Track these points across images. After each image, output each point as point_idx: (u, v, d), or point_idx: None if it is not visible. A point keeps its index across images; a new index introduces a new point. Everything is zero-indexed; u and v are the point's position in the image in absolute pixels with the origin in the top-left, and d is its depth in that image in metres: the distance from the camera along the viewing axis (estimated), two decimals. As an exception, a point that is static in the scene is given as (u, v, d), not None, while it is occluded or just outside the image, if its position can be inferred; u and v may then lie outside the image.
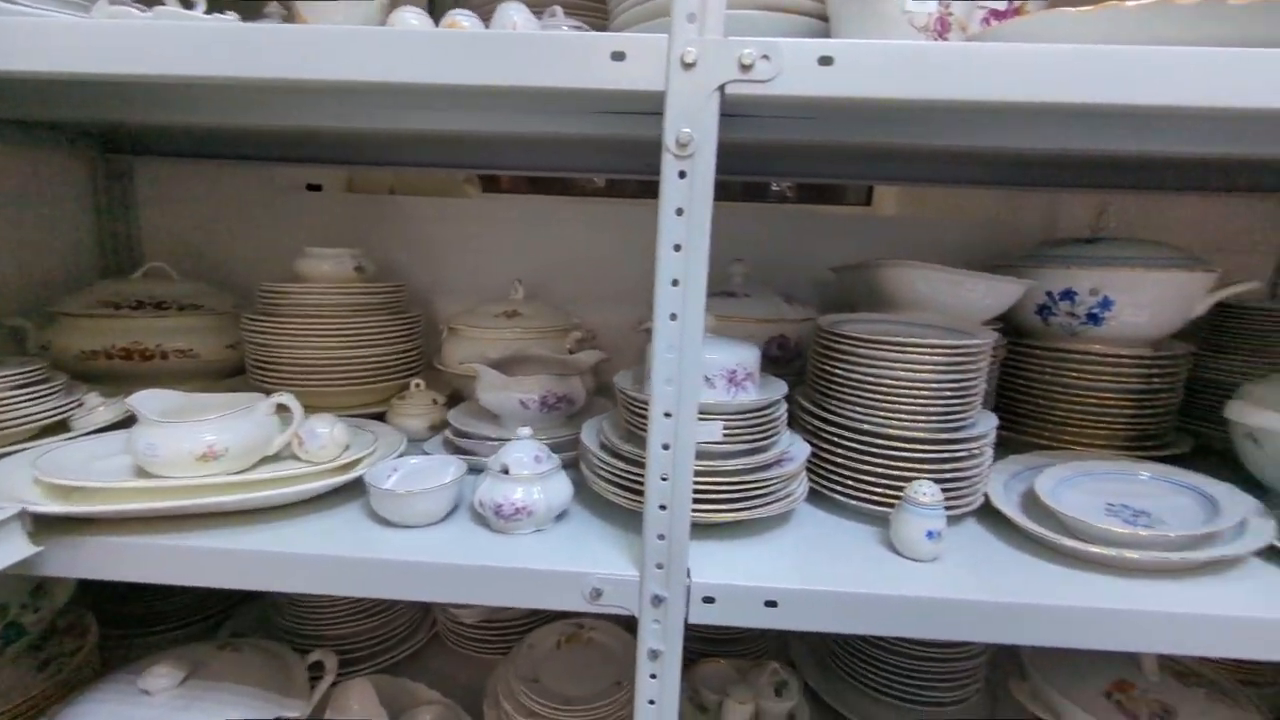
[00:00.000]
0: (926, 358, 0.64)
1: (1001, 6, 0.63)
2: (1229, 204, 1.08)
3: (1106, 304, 0.83)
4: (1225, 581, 0.60)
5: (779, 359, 0.88)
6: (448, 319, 0.99)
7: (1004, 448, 0.86)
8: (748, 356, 0.65)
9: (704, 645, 0.97)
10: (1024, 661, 0.85)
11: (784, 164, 1.06)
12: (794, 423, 0.75)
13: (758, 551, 0.62)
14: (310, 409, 0.72)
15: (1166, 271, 0.81)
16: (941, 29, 0.52)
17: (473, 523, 0.65)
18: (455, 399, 0.94)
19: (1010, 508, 0.67)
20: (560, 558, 0.59)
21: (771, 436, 0.66)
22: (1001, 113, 0.67)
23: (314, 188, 1.20)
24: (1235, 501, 0.66)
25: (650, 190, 1.24)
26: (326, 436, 0.71)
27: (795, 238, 1.14)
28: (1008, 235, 1.10)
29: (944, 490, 0.65)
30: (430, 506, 0.63)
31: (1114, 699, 0.81)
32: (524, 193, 1.38)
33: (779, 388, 0.69)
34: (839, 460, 0.68)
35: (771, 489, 0.64)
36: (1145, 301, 0.82)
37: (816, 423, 0.71)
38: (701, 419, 0.61)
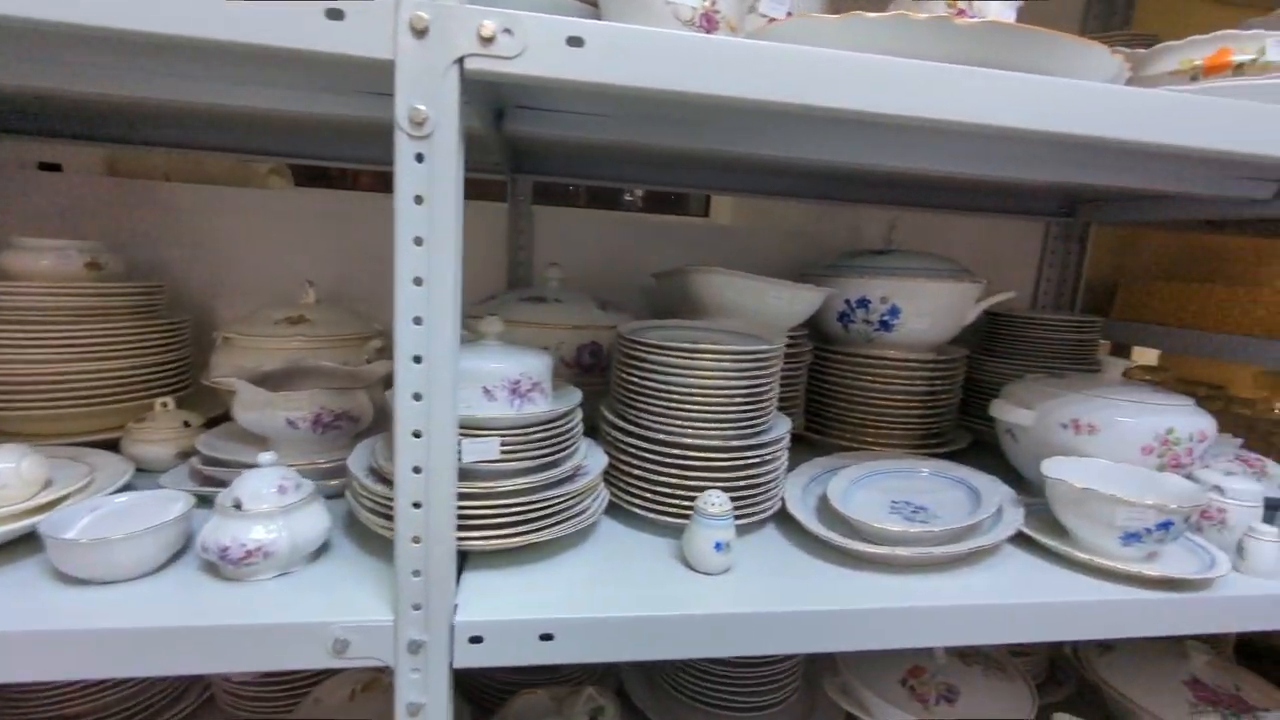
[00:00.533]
0: (715, 364, 0.63)
1: (781, 15, 0.64)
2: (1003, 224, 1.22)
3: (895, 311, 0.88)
4: (986, 570, 0.64)
5: (592, 367, 0.84)
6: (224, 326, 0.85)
7: (814, 449, 0.89)
8: (535, 365, 0.60)
9: (526, 675, 0.90)
10: (836, 657, 0.88)
11: (601, 168, 1.03)
12: (600, 434, 0.71)
13: (543, 578, 0.57)
14: (23, 437, 0.57)
15: (942, 282, 0.88)
16: (708, 25, 0.50)
17: (200, 570, 0.54)
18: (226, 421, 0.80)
19: (804, 512, 0.68)
20: (301, 606, 0.50)
21: (563, 450, 0.61)
22: (784, 119, 0.69)
23: (50, 167, 0.99)
24: (993, 493, 0.72)
25: (491, 190, 1.19)
26: (10, 473, 0.56)
27: (637, 246, 1.13)
28: (826, 245, 1.15)
29: (741, 497, 0.64)
30: (135, 555, 0.51)
31: (908, 685, 0.85)
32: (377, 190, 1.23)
33: (572, 397, 0.64)
34: (637, 472, 0.65)
35: (561, 508, 0.59)
36: (926, 309, 0.88)
37: (615, 433, 0.67)
38: (473, 435, 0.55)
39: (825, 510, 0.70)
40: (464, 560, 0.58)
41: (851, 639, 0.55)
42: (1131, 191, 0.99)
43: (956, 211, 1.16)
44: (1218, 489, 0.70)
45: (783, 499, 0.70)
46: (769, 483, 0.67)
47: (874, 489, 0.76)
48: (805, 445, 0.94)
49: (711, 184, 1.09)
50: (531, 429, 0.58)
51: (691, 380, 0.63)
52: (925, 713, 0.82)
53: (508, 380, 0.58)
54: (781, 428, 0.70)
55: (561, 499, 0.59)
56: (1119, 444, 0.72)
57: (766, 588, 0.57)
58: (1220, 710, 0.87)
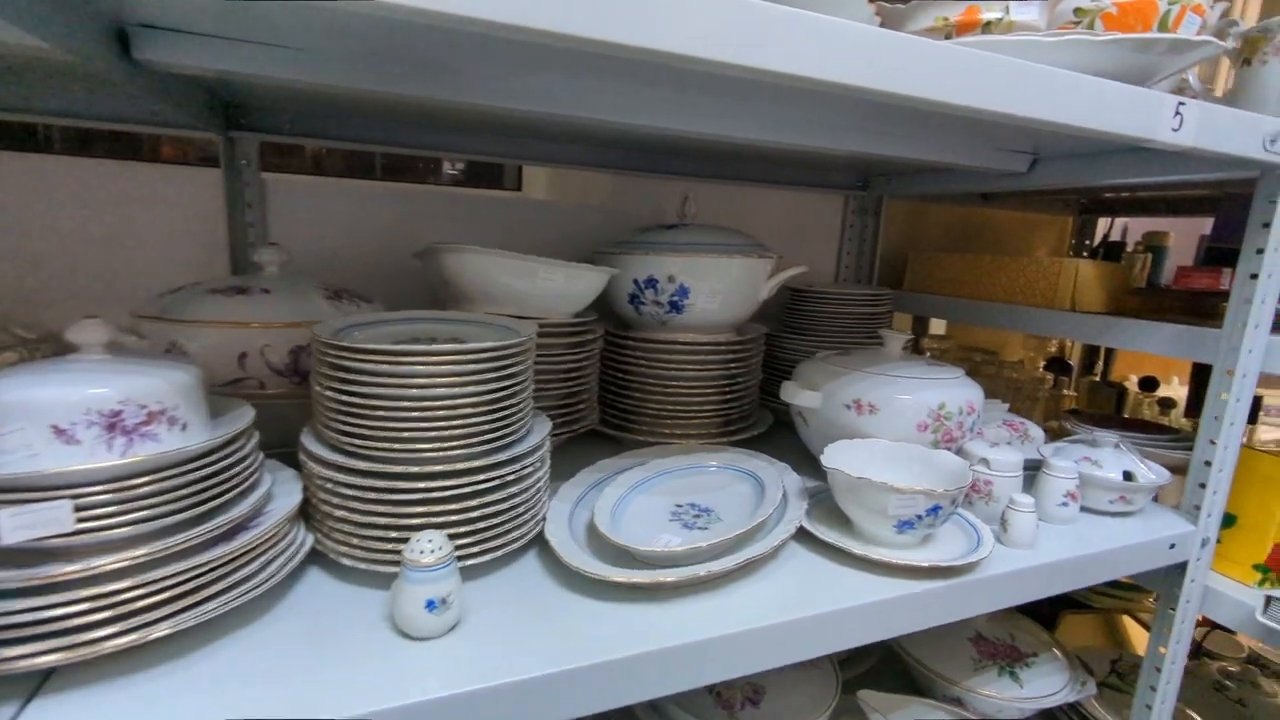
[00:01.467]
0: (433, 368, 0.50)
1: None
2: (806, 198, 1.20)
3: (684, 291, 0.80)
4: (766, 579, 0.57)
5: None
6: None
7: (617, 446, 0.79)
8: (152, 386, 0.42)
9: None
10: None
11: (348, 127, 0.85)
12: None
13: (178, 684, 0.40)
14: None
15: (730, 257, 0.81)
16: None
17: None
18: None
19: (565, 534, 0.57)
20: None
21: (215, 498, 0.45)
22: (549, 60, 0.57)
23: None
24: (777, 486, 0.66)
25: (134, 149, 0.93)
26: None
27: (415, 221, 0.95)
28: (632, 221, 1.06)
29: (484, 529, 0.52)
30: None
31: (714, 691, 0.80)
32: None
33: (237, 420, 0.48)
34: (340, 512, 0.50)
35: (209, 579, 0.43)
36: (716, 288, 0.81)
37: (312, 463, 0.52)
38: (23, 501, 0.37)
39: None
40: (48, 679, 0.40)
41: (592, 700, 0.45)
42: (912, 164, 1.00)
43: (763, 185, 1.11)
44: (984, 461, 0.69)
45: (544, 520, 0.58)
46: (523, 505, 0.56)
47: (656, 492, 0.68)
48: (607, 442, 0.84)
49: (502, 152, 0.94)
50: (147, 478, 0.41)
51: (404, 390, 0.49)
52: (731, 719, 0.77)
53: (99, 412, 0.40)
54: (537, 434, 0.58)
55: (208, 567, 0.42)
56: (897, 422, 0.70)
57: (493, 650, 0.45)
58: (998, 663, 0.91)
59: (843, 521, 0.64)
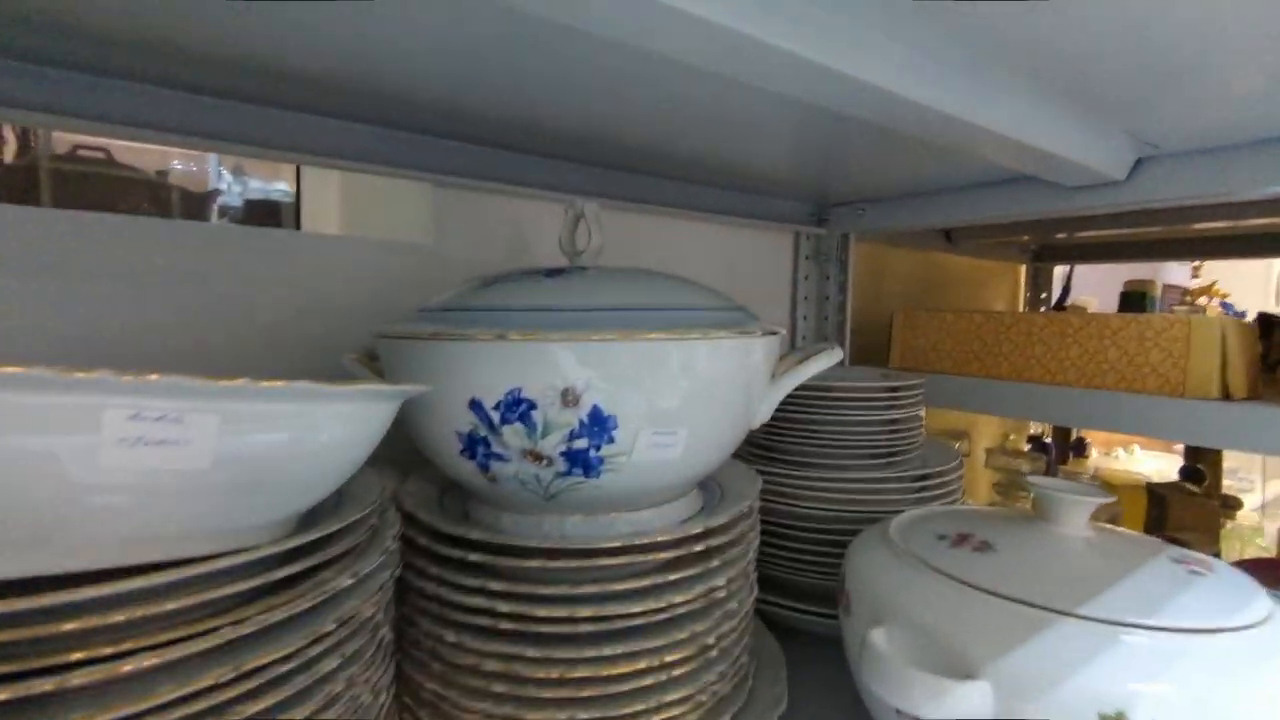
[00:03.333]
0: None
1: None
2: (738, 235, 0.79)
3: (601, 421, 0.32)
4: None
5: None
6: None
7: None
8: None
9: None
10: None
11: None
12: None
13: None
14: None
15: (711, 336, 0.34)
16: None
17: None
18: None
19: None
20: None
21: None
22: None
23: None
24: None
25: None
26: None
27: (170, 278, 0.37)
28: (476, 262, 0.57)
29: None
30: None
31: None
32: None
33: None
34: None
35: None
36: (683, 408, 0.34)
37: None
38: None
39: None
40: None
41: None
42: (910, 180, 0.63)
43: (674, 212, 0.68)
44: None
45: None
46: None
47: None
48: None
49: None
50: None
51: None
52: None
53: None
54: None
55: None
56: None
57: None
58: None
59: None
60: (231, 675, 0.22)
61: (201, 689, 0.21)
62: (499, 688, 0.32)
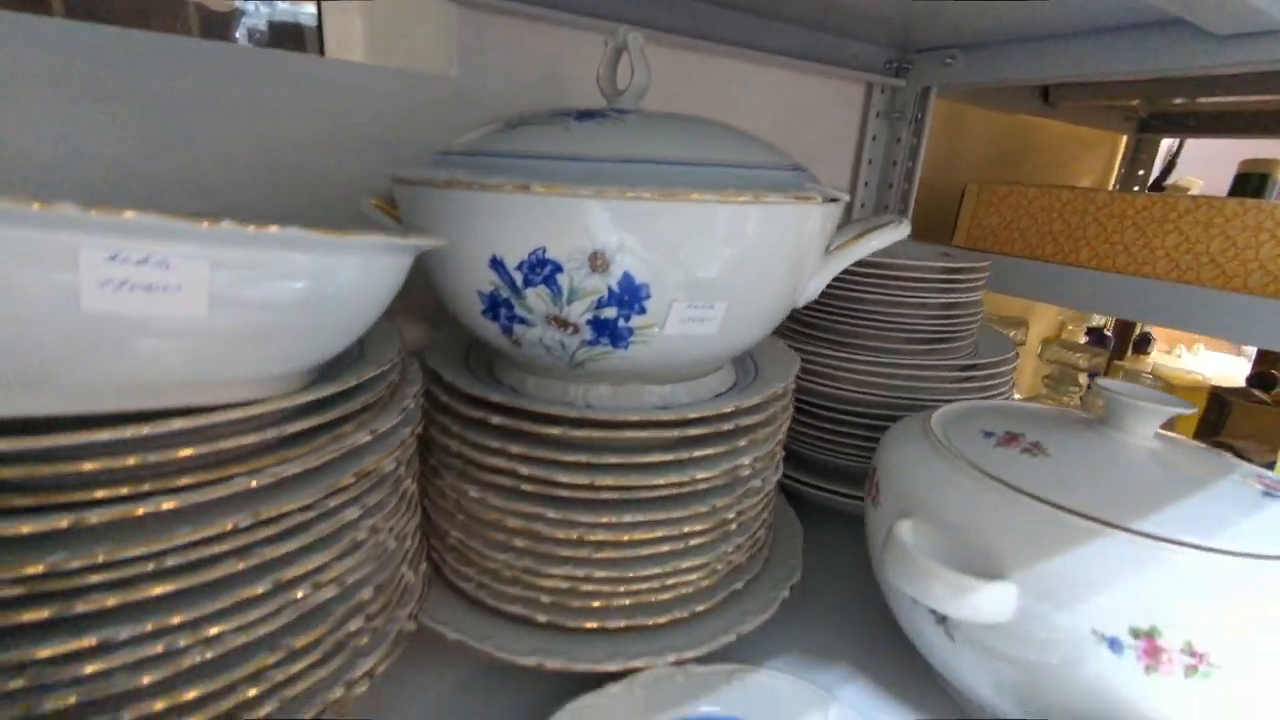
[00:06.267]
0: None
1: None
2: (801, 82, 0.70)
3: (632, 289, 0.29)
4: None
5: None
6: None
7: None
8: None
9: None
10: None
11: None
12: None
13: None
14: None
15: (760, 197, 0.30)
16: None
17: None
18: None
19: None
20: None
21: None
22: None
23: None
24: None
25: None
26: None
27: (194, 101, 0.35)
28: (502, 102, 0.51)
29: None
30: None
31: None
32: None
33: None
34: None
35: None
36: (722, 276, 0.30)
37: None
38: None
39: None
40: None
41: None
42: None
43: (727, 49, 0.59)
44: None
45: None
46: None
47: None
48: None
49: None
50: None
51: None
52: None
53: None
54: None
55: None
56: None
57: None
58: None
59: None
60: (250, 522, 0.22)
61: (223, 533, 0.22)
62: (520, 543, 0.33)
